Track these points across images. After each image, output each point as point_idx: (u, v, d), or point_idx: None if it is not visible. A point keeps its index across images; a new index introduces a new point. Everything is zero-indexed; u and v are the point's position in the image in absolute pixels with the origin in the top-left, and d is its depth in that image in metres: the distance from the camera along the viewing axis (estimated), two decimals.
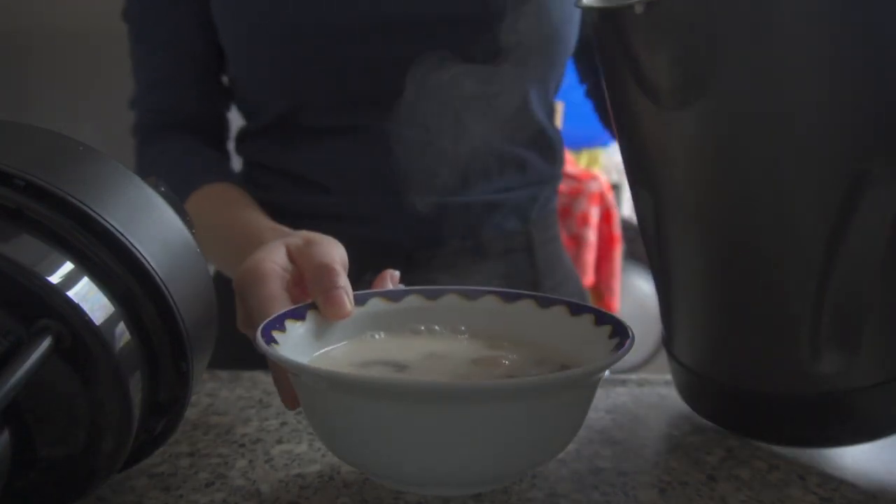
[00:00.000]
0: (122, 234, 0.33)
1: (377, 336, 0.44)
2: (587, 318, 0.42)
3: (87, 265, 0.32)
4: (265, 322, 0.39)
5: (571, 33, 0.71)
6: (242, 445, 0.44)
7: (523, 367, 0.41)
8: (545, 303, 0.44)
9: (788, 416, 0.44)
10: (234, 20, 0.68)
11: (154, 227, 0.35)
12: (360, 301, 0.44)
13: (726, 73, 0.39)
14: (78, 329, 0.31)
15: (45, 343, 0.30)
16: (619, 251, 2.17)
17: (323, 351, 0.42)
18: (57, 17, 1.46)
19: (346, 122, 0.67)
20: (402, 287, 0.47)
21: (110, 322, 0.32)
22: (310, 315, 0.42)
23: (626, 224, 2.18)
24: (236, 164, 0.77)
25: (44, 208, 0.32)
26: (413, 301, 0.46)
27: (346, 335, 0.44)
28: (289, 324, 0.40)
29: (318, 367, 0.38)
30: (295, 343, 0.40)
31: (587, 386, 0.36)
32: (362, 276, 0.50)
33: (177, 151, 0.71)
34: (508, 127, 0.68)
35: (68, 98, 1.48)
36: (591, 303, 0.77)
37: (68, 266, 0.32)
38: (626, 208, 2.58)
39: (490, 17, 0.61)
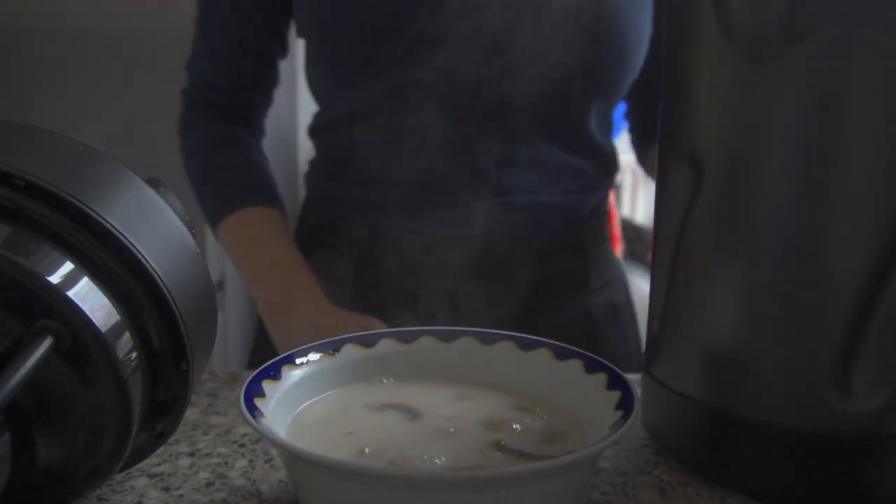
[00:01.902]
0: (122, 234, 0.33)
1: (385, 381, 0.43)
2: (601, 377, 0.39)
3: (87, 265, 0.32)
4: (259, 369, 0.38)
5: (640, 59, 0.74)
6: (242, 445, 0.44)
7: (532, 437, 0.38)
8: (562, 354, 0.42)
9: (801, 459, 0.37)
10: (310, 11, 0.71)
11: (154, 227, 0.35)
12: (368, 342, 0.43)
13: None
14: (78, 329, 0.31)
15: (45, 343, 0.30)
16: (619, 251, 2.17)
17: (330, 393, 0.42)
18: (57, 17, 1.45)
19: (419, 123, 0.68)
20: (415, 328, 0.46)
21: (110, 322, 0.32)
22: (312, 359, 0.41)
23: (626, 224, 2.18)
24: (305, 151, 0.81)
25: (44, 208, 0.32)
26: (426, 343, 0.44)
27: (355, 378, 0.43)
28: (288, 366, 0.40)
29: (317, 454, 0.32)
30: (291, 385, 0.39)
31: (593, 460, 0.35)
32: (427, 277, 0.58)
33: (221, 155, 0.76)
34: (567, 139, 0.72)
35: (68, 98, 1.48)
36: (632, 302, 0.85)
37: (68, 266, 0.32)
38: (627, 208, 2.58)
39: (572, 38, 0.66)
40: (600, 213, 0.80)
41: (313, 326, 0.65)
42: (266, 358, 0.39)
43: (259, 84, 0.80)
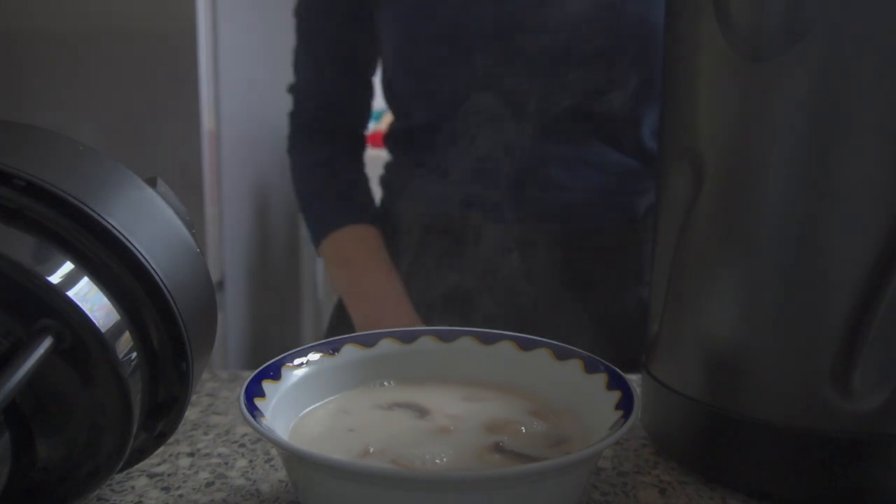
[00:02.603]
0: (122, 234, 0.33)
1: (387, 384, 0.43)
2: (601, 377, 0.39)
3: (87, 265, 0.32)
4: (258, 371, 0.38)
5: None
6: (242, 445, 0.44)
7: (536, 441, 0.38)
8: (562, 354, 0.42)
9: (801, 458, 0.37)
10: (395, 23, 0.76)
11: (154, 227, 0.35)
12: (368, 342, 0.43)
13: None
14: (78, 329, 0.31)
15: (45, 343, 0.30)
16: None
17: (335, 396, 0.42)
18: (57, 17, 1.45)
19: (479, 129, 0.73)
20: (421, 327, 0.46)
21: (110, 322, 0.32)
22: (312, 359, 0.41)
23: None
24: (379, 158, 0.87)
25: (44, 208, 0.32)
26: (426, 343, 0.44)
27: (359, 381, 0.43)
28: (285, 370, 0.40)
29: (317, 453, 0.33)
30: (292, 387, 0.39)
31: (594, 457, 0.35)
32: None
33: (326, 178, 0.84)
34: (622, 144, 0.77)
35: (68, 98, 1.48)
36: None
37: (68, 266, 0.32)
38: None
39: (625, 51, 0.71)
40: (650, 208, 0.83)
41: None
42: None
43: (361, 100, 0.85)
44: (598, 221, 0.78)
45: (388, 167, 0.86)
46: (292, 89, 0.86)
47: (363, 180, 0.86)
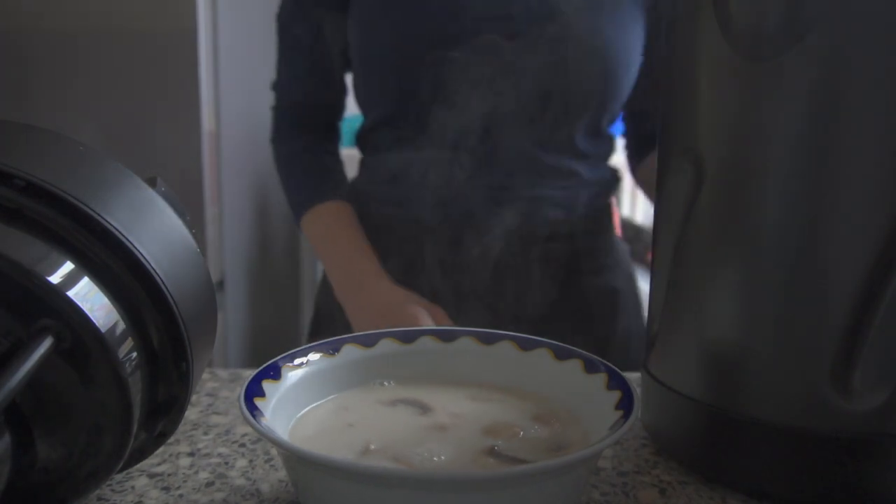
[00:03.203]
0: (122, 234, 0.33)
1: (386, 384, 0.43)
2: (601, 377, 0.39)
3: (87, 265, 0.32)
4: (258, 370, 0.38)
5: (626, 86, 0.86)
6: (242, 445, 0.44)
7: (535, 446, 0.38)
8: (561, 354, 0.42)
9: (801, 458, 0.37)
10: (356, 28, 0.86)
11: (154, 227, 0.35)
12: (368, 342, 0.44)
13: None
14: (78, 329, 0.31)
15: (45, 343, 0.30)
16: None
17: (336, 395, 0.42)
18: (57, 17, 1.45)
19: (426, 133, 0.81)
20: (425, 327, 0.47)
21: (110, 322, 0.32)
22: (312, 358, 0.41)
23: (626, 224, 2.18)
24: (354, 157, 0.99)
25: (44, 208, 0.32)
26: (427, 343, 0.44)
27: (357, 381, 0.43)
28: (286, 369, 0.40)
29: (318, 454, 0.32)
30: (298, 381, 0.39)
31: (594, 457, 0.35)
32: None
33: (304, 162, 0.94)
34: (559, 148, 0.86)
35: (68, 98, 1.48)
36: (636, 291, 0.95)
37: (68, 266, 0.32)
38: (627, 208, 2.58)
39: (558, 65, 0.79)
40: (596, 207, 0.91)
41: (383, 300, 0.80)
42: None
43: (334, 95, 0.95)
44: (535, 219, 0.85)
45: (360, 165, 0.96)
46: (274, 86, 0.96)
47: (338, 164, 0.96)
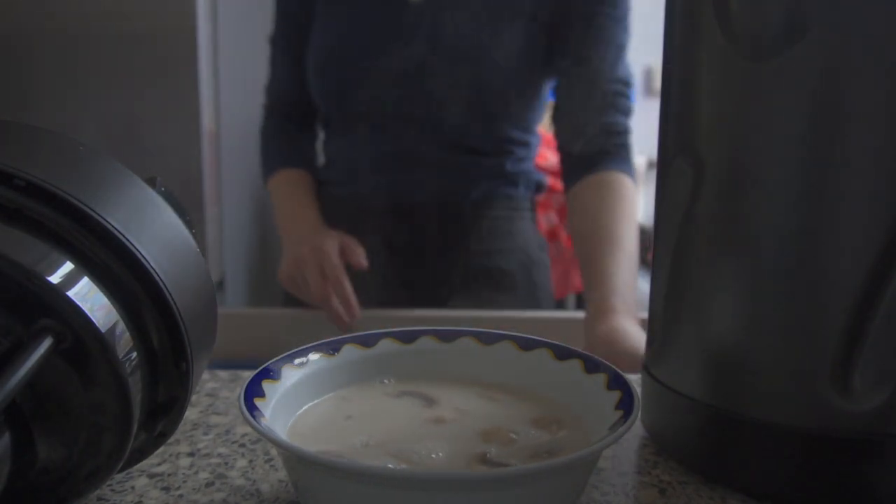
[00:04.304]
0: (122, 234, 0.33)
1: (386, 382, 0.43)
2: (601, 377, 0.39)
3: (87, 265, 0.32)
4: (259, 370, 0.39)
5: (508, 92, 1.04)
6: (242, 445, 0.44)
7: (532, 452, 0.37)
8: (561, 354, 0.42)
9: (800, 458, 0.37)
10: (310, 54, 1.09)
11: (154, 227, 0.35)
12: (368, 342, 0.44)
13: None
14: (78, 329, 0.31)
15: (45, 343, 0.30)
16: None
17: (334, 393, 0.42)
18: (57, 17, 1.45)
19: (365, 121, 1.05)
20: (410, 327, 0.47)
21: (110, 322, 0.32)
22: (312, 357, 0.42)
23: None
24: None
25: (44, 208, 0.32)
26: (427, 343, 0.44)
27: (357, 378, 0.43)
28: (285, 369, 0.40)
29: (317, 454, 0.33)
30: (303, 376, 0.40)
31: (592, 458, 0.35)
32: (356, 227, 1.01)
33: (280, 140, 1.16)
34: (457, 148, 1.05)
35: (68, 98, 1.48)
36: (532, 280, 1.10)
37: (68, 266, 0.32)
38: None
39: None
40: (493, 196, 1.07)
41: (308, 233, 1.01)
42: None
43: (309, 95, 1.12)
44: (438, 201, 1.05)
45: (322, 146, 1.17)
46: (265, 89, 1.17)
47: (310, 147, 1.17)
